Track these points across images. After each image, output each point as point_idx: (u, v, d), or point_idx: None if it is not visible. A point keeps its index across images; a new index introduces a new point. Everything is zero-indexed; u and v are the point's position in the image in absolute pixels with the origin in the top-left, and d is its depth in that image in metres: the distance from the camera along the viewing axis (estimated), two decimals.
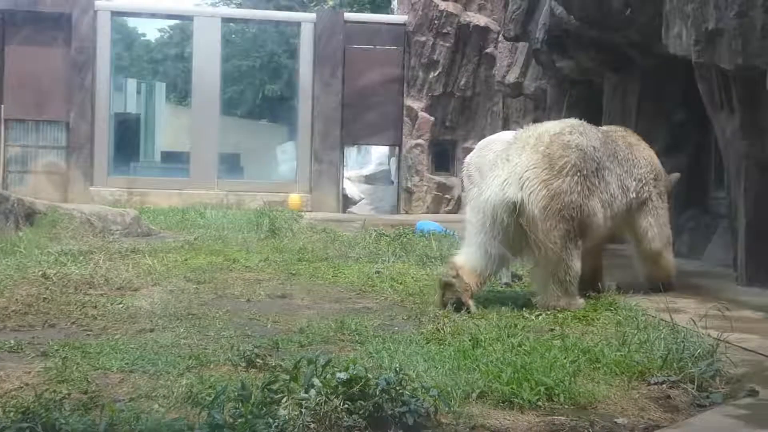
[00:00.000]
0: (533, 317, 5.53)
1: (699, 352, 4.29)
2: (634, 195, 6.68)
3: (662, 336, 4.63)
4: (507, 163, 6.13)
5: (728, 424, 3.57)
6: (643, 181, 6.78)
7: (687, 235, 9.30)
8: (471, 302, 5.80)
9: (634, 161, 6.76)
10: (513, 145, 6.34)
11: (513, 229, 5.94)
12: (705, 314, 4.80)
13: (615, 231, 6.79)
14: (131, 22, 26.33)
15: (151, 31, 29.30)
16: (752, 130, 7.10)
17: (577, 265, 6.08)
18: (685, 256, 8.42)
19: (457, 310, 5.66)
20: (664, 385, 4.05)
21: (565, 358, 4.22)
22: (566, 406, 3.69)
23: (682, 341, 4.43)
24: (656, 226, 6.85)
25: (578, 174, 6.11)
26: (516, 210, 5.90)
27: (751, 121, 7.10)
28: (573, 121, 6.60)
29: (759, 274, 7.13)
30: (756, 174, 7.13)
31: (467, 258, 6.03)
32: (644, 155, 6.92)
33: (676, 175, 7.34)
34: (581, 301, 6.11)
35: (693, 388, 3.99)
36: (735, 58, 6.76)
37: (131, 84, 23.92)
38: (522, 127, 6.86)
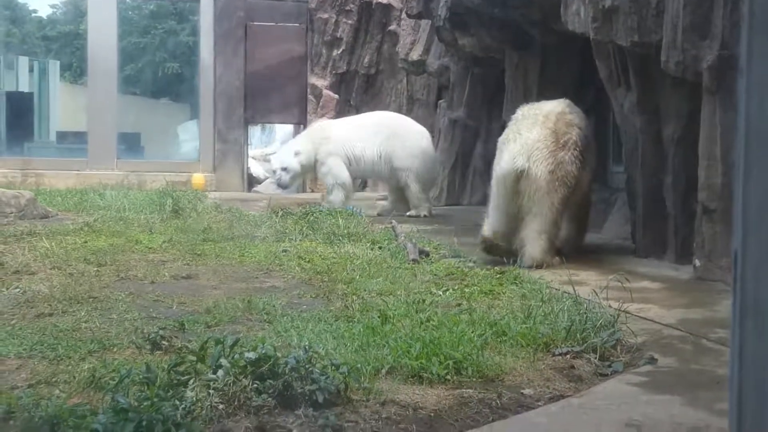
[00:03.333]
0: (441, 293, 5.58)
1: (601, 323, 4.41)
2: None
3: (565, 308, 4.73)
4: (519, 137, 7.12)
5: (629, 392, 3.68)
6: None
7: None
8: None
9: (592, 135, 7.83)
10: (523, 121, 7.31)
11: (518, 194, 6.97)
12: (606, 286, 4.93)
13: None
14: None
15: (42, 7, 28.32)
16: (648, 106, 7.30)
17: (562, 227, 7.30)
18: None
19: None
20: (568, 356, 4.14)
21: (472, 332, 4.27)
22: (474, 379, 3.74)
23: (585, 312, 4.54)
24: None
25: (576, 149, 7.14)
26: (521, 177, 6.92)
27: (647, 97, 7.30)
28: (568, 101, 7.61)
29: (656, 246, 7.36)
30: (652, 149, 7.34)
31: (492, 223, 7.18)
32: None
33: None
34: (557, 259, 7.00)
35: (595, 358, 4.10)
36: (631, 34, 6.93)
37: (23, 62, 23.06)
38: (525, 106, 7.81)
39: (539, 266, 6.81)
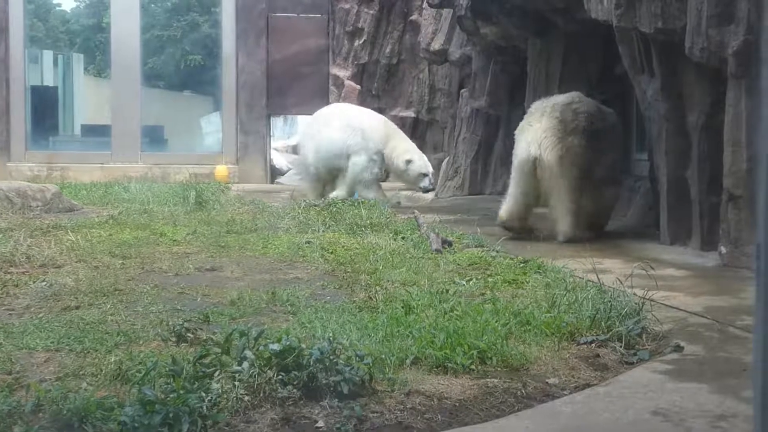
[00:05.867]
0: (464, 282, 5.56)
1: (626, 311, 4.38)
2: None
3: (590, 296, 4.70)
4: (530, 128, 7.83)
5: (655, 380, 3.67)
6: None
7: None
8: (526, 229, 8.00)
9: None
10: (533, 114, 8.01)
11: (534, 179, 7.71)
12: (630, 274, 4.89)
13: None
14: None
15: (66, 0, 28.46)
16: (672, 93, 7.24)
17: (585, 203, 7.80)
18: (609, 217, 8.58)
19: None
20: (593, 345, 4.13)
21: (496, 322, 4.26)
22: (499, 369, 3.73)
23: (609, 301, 4.51)
24: None
25: (584, 134, 7.75)
26: (536, 163, 7.64)
27: (670, 84, 7.24)
28: (576, 93, 8.19)
29: (680, 234, 7.31)
30: (676, 136, 7.28)
31: (510, 207, 7.95)
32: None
33: None
34: (588, 233, 7.70)
35: (621, 347, 4.08)
36: (654, 21, 6.87)
37: (47, 56, 23.17)
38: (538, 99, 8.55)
39: (572, 241, 7.56)
